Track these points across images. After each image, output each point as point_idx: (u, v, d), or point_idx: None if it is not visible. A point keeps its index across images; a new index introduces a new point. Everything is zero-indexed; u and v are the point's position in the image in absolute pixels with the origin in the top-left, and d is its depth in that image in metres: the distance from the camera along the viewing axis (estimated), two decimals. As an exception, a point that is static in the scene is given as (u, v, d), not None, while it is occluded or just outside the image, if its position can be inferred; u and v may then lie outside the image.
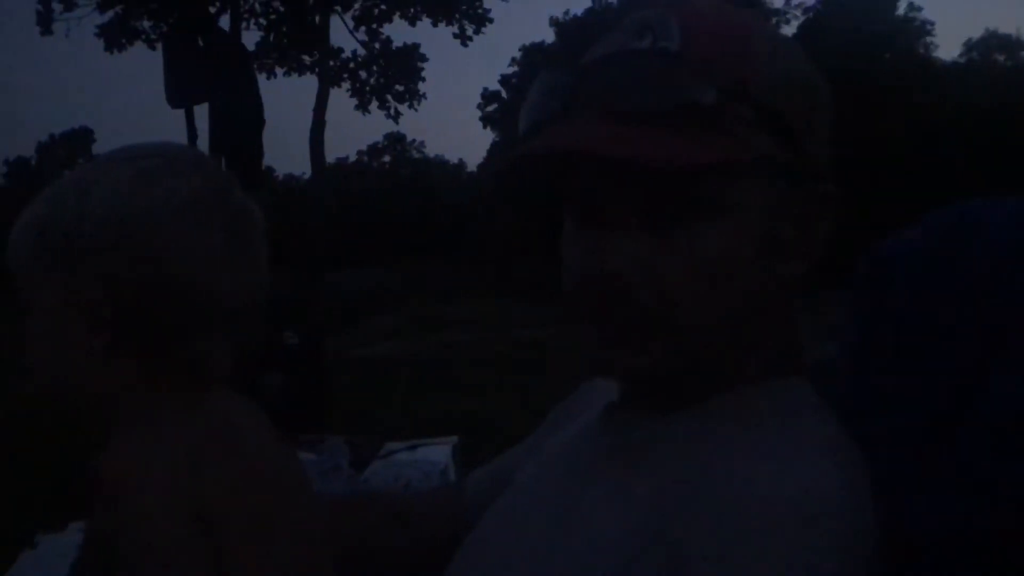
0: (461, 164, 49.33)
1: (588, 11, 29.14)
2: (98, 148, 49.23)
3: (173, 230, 0.76)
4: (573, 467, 0.80)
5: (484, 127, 36.52)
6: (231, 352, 0.83)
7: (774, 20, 23.34)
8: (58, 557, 1.70)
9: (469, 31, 20.53)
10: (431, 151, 59.11)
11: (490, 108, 35.54)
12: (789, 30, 22.67)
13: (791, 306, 0.75)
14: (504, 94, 32.88)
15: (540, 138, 0.71)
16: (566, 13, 31.67)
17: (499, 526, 0.83)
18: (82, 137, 49.57)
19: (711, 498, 0.63)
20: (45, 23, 18.41)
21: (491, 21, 19.49)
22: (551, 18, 35.37)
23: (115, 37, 18.49)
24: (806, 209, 0.71)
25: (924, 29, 26.11)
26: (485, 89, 37.76)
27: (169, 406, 0.79)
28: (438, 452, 2.06)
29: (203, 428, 0.79)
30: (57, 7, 18.21)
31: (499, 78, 36.75)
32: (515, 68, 33.04)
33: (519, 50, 33.88)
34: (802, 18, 25.55)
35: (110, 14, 17.96)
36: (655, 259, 0.68)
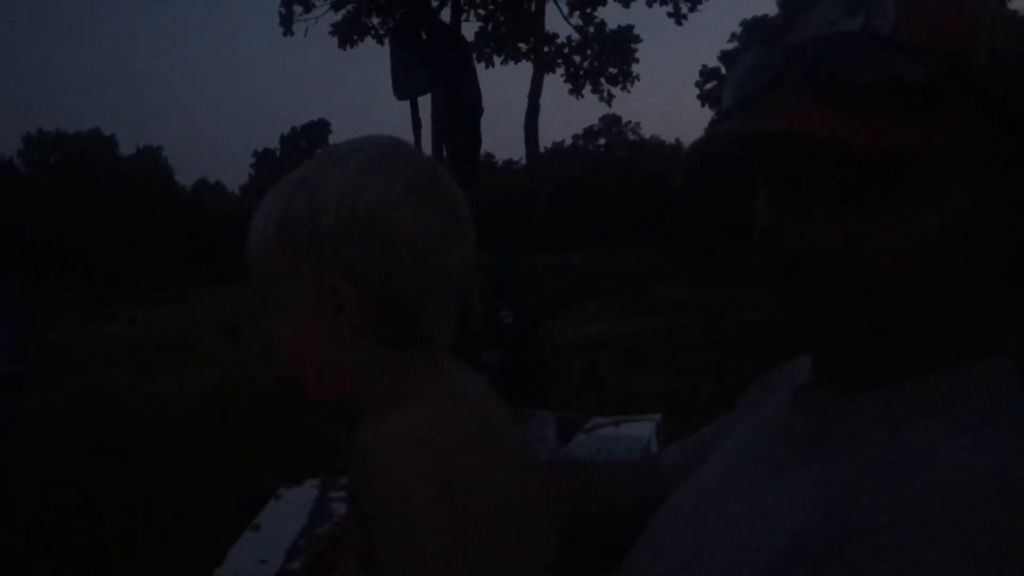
0: (678, 144, 48.36)
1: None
2: (334, 138, 52.65)
3: (397, 216, 0.83)
4: (759, 451, 0.80)
5: (702, 105, 35.69)
6: (453, 325, 0.89)
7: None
8: (298, 506, 1.90)
9: (684, 9, 20.19)
10: (647, 132, 58.57)
11: (709, 85, 34.66)
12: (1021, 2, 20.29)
13: (997, 286, 0.71)
14: (724, 71, 31.88)
15: (748, 116, 0.70)
16: (789, -17, 30.19)
17: (687, 506, 0.85)
18: (320, 128, 53.18)
19: (890, 472, 0.61)
20: (287, 24, 20.16)
21: (706, -1, 19.10)
22: (773, -11, 33.94)
23: (347, 34, 19.92)
24: (1020, 192, 0.67)
25: None
26: (704, 66, 36.90)
27: (409, 380, 0.85)
28: (641, 428, 2.06)
29: (443, 401, 0.84)
30: (297, 9, 19.89)
31: (719, 55, 35.74)
32: (735, 44, 32.02)
33: (740, 24, 32.89)
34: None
35: (343, 13, 19.36)
36: (855, 234, 0.67)
